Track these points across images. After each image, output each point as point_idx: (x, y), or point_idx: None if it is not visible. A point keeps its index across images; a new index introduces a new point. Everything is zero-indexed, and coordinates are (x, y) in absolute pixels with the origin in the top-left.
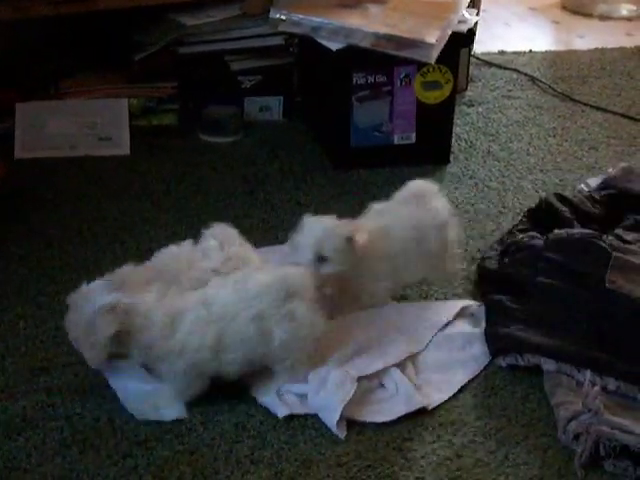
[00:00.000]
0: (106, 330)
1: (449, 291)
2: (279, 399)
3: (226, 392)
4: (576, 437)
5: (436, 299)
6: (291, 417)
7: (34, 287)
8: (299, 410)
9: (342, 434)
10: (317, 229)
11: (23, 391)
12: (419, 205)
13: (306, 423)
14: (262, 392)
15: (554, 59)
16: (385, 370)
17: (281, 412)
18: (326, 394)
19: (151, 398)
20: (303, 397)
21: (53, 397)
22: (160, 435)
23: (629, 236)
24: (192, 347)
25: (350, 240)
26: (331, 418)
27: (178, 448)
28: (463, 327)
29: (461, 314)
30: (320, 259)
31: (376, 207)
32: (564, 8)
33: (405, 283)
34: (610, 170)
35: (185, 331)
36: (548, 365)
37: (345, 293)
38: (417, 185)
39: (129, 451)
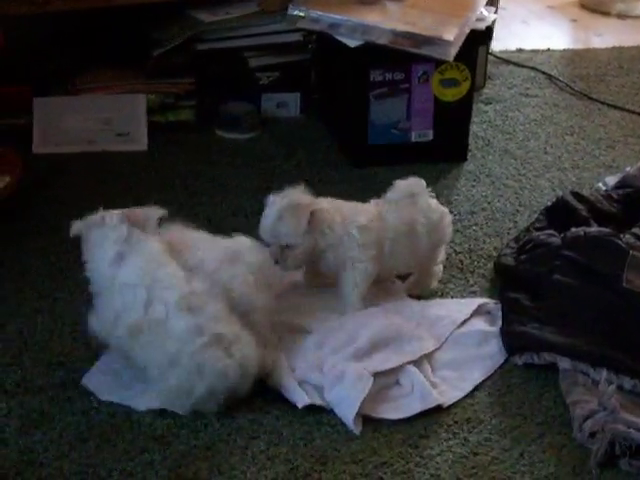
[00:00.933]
0: None
1: (466, 289)
2: (301, 388)
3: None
4: (592, 435)
5: (452, 297)
6: (307, 413)
7: (51, 282)
8: (318, 402)
9: (358, 430)
10: (272, 214)
11: (40, 385)
12: (411, 203)
13: (322, 419)
14: (283, 379)
15: (572, 57)
16: (401, 367)
17: (302, 401)
18: (342, 389)
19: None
20: (320, 389)
21: (70, 391)
22: (176, 430)
23: None
24: None
25: (308, 217)
26: (348, 414)
27: (194, 443)
28: (479, 325)
29: (478, 312)
30: (283, 247)
31: (373, 201)
32: (582, 6)
33: (389, 272)
34: (628, 169)
35: None
36: (564, 363)
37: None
38: (407, 184)
39: (145, 446)
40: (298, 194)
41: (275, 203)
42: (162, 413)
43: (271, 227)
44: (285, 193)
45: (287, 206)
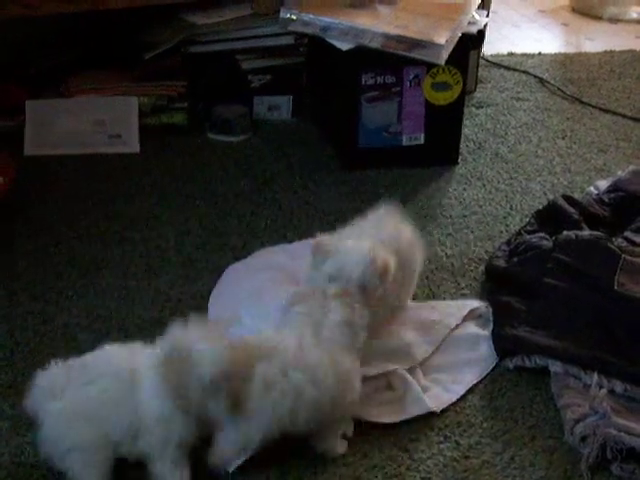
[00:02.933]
0: None
1: (457, 292)
2: None
3: None
4: (583, 439)
5: (444, 299)
6: None
7: (43, 284)
8: None
9: (349, 432)
10: (357, 259)
11: (31, 387)
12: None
13: None
14: None
15: (563, 61)
16: (393, 370)
17: None
18: None
19: None
20: None
21: None
22: None
23: (638, 238)
24: None
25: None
26: None
27: None
28: (471, 328)
29: (469, 315)
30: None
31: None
32: (573, 10)
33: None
34: (619, 173)
35: None
36: (555, 367)
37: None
38: (381, 213)
39: None
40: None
41: (360, 245)
42: None
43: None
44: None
45: (374, 247)
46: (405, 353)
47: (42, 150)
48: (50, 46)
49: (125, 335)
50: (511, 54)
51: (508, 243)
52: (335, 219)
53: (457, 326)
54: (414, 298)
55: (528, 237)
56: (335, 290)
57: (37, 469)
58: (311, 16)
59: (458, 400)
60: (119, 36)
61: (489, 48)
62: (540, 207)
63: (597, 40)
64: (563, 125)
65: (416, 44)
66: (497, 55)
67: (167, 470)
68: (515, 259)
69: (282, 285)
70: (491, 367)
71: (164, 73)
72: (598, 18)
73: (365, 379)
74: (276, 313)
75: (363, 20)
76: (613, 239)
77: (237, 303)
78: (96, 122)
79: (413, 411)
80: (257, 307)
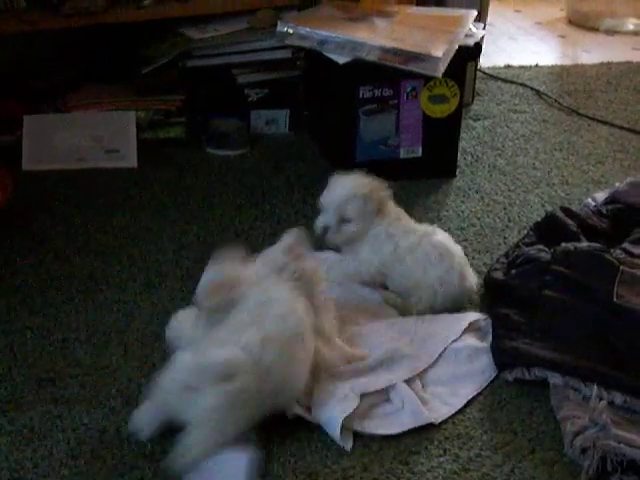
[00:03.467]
0: None
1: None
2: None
3: None
4: (583, 451)
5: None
6: (298, 429)
7: (41, 298)
8: (308, 417)
9: (348, 446)
10: (339, 191)
11: (30, 402)
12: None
13: (312, 435)
14: None
15: (560, 73)
16: (392, 385)
17: (291, 413)
18: (327, 409)
19: None
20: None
21: (60, 408)
22: (167, 447)
23: (637, 250)
24: None
25: (368, 198)
26: (334, 431)
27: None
28: (470, 340)
29: (468, 328)
30: (343, 220)
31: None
32: (570, 22)
33: None
34: (617, 184)
35: None
36: (555, 379)
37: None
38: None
39: (135, 463)
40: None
41: (349, 180)
42: None
43: (340, 200)
44: (357, 176)
45: (362, 185)
46: (404, 365)
47: (40, 165)
48: (48, 61)
49: (124, 349)
50: (508, 66)
51: (506, 255)
52: None
53: (456, 339)
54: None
55: (526, 249)
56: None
57: None
58: (308, 30)
59: (457, 413)
60: (117, 51)
61: (486, 61)
62: (538, 219)
63: (594, 52)
64: (560, 137)
65: (413, 57)
66: (494, 67)
67: None
68: (513, 271)
69: None
70: (490, 379)
71: (161, 87)
72: (595, 30)
73: (364, 394)
74: None
75: (360, 33)
76: (611, 251)
77: None
78: (94, 137)
79: (412, 423)
80: None
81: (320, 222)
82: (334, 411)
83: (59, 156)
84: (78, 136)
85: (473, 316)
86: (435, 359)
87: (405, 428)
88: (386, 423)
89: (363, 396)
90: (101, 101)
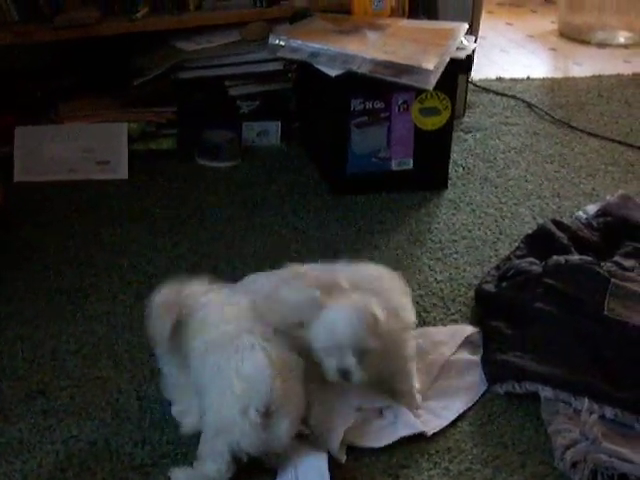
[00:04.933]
0: None
1: (447, 317)
2: None
3: None
4: (574, 465)
5: (434, 326)
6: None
7: (31, 309)
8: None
9: (342, 459)
10: (346, 325)
11: (19, 413)
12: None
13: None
14: None
15: (552, 86)
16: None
17: None
18: (328, 420)
19: None
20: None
21: (49, 420)
22: (156, 460)
23: (627, 263)
24: None
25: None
26: (332, 443)
27: None
28: (462, 354)
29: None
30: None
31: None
32: (561, 35)
33: None
34: (608, 197)
35: None
36: (545, 392)
37: None
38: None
39: (125, 475)
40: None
41: (345, 306)
42: (142, 442)
43: (354, 332)
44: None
45: (359, 307)
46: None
47: (31, 176)
48: (40, 72)
49: (114, 361)
50: (500, 79)
51: (497, 268)
52: (324, 244)
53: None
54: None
55: (517, 262)
56: None
57: None
58: (300, 42)
59: (448, 426)
60: (109, 62)
61: (478, 73)
62: (529, 232)
63: (585, 65)
64: (552, 150)
65: (405, 70)
66: (486, 80)
67: None
68: (504, 284)
69: None
70: (481, 393)
71: (153, 99)
72: (586, 43)
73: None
74: None
75: (352, 46)
76: (602, 264)
77: None
78: (85, 148)
79: (404, 432)
80: None
81: (336, 366)
82: (334, 424)
83: (50, 167)
84: (69, 148)
85: (467, 330)
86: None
87: (397, 437)
88: (378, 436)
89: (359, 409)
90: (93, 113)
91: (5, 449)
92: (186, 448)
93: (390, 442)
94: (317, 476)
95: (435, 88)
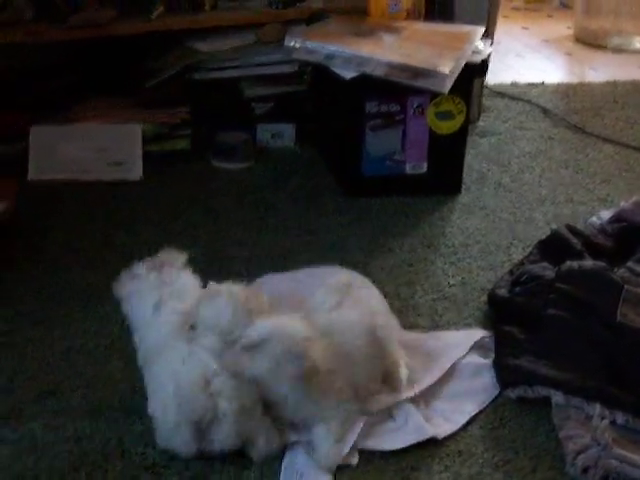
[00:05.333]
0: None
1: (459, 321)
2: None
3: None
4: (585, 471)
5: (447, 329)
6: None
7: (43, 310)
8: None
9: (354, 462)
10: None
11: (31, 413)
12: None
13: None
14: None
15: (567, 91)
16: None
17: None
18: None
19: None
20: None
21: (62, 419)
22: (168, 461)
23: None
24: None
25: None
26: (344, 447)
27: (186, 474)
28: (473, 358)
29: (473, 345)
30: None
31: None
32: (577, 40)
33: None
34: (622, 203)
35: None
36: (557, 397)
37: None
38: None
39: (137, 475)
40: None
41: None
42: (153, 442)
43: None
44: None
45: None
46: (408, 382)
47: (45, 175)
48: (54, 73)
49: (125, 361)
50: (515, 84)
51: (511, 273)
52: (337, 247)
53: (463, 356)
54: (416, 326)
55: (531, 267)
56: None
57: None
58: (315, 44)
59: (459, 429)
60: (123, 63)
61: (493, 78)
62: (543, 237)
63: (600, 70)
64: (566, 155)
65: (420, 73)
66: (501, 85)
67: None
68: (517, 289)
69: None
70: (493, 397)
71: (167, 100)
72: (602, 48)
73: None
74: None
75: (367, 48)
76: (616, 269)
77: None
78: (99, 149)
79: (415, 438)
80: None
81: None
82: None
83: (64, 167)
84: (83, 148)
85: (479, 333)
86: (440, 376)
87: (408, 443)
88: (389, 439)
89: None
90: (107, 113)
91: (18, 448)
92: None
93: (400, 447)
94: None
95: (450, 92)
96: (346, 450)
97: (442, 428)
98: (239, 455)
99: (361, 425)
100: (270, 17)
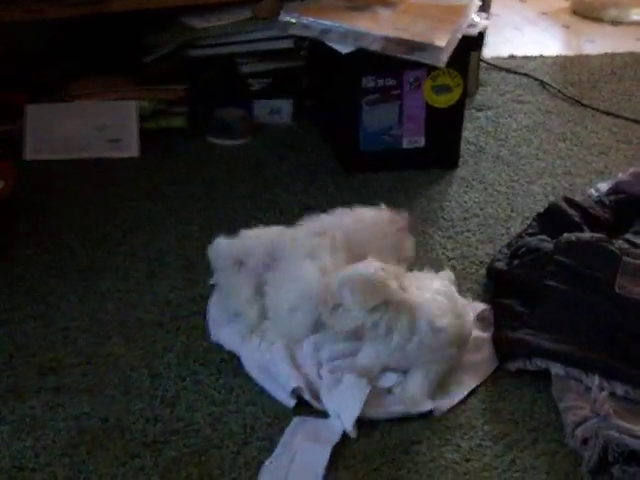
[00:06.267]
0: None
1: (458, 294)
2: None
3: (234, 394)
4: (584, 442)
5: None
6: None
7: (43, 287)
8: (315, 404)
9: (354, 434)
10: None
11: (31, 391)
12: None
13: None
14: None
15: (564, 64)
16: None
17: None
18: (340, 395)
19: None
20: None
21: (61, 397)
22: (168, 436)
23: (639, 240)
24: None
25: None
26: (348, 417)
27: (185, 450)
28: (473, 331)
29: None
30: None
31: None
32: (574, 13)
33: None
34: (620, 175)
35: None
36: (556, 369)
37: None
38: None
39: (137, 452)
40: None
41: None
42: (154, 419)
43: None
44: None
45: None
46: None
47: (42, 154)
48: (51, 50)
49: (125, 338)
50: (512, 57)
51: (509, 246)
52: None
53: None
54: None
55: (529, 239)
56: None
57: (37, 473)
58: (311, 19)
59: (459, 403)
60: (119, 40)
61: (490, 51)
62: (541, 209)
63: (598, 42)
64: (564, 127)
65: (416, 47)
66: (498, 58)
67: None
68: (516, 262)
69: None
70: (492, 370)
71: (164, 77)
72: (599, 20)
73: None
74: None
75: (363, 23)
76: (614, 241)
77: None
78: (96, 126)
79: (414, 410)
80: None
81: None
82: (348, 399)
83: (61, 145)
84: (80, 125)
85: (479, 307)
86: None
87: (407, 414)
88: (388, 411)
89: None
90: (104, 90)
91: (18, 426)
92: (198, 425)
93: (399, 416)
94: (311, 474)
95: (447, 65)
96: (354, 417)
97: (441, 402)
98: (239, 431)
99: (365, 396)
100: None
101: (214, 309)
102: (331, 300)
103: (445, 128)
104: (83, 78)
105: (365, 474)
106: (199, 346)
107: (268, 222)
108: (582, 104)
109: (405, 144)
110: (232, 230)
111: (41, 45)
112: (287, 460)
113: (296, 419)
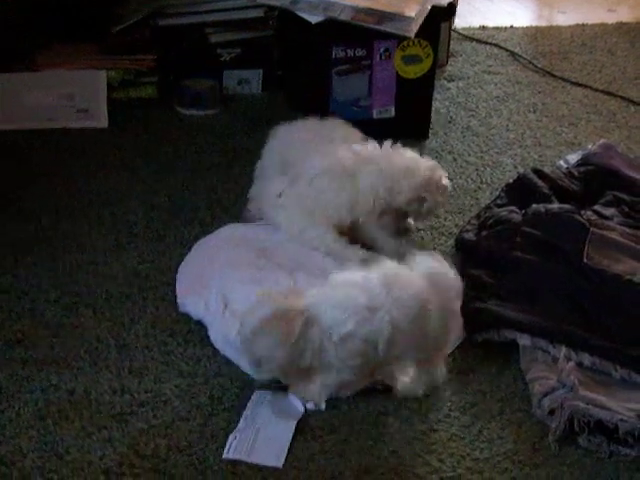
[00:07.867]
0: None
1: None
2: None
3: (202, 365)
4: (551, 412)
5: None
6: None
7: (9, 259)
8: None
9: (322, 406)
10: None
11: None
12: None
13: None
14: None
15: (535, 35)
16: None
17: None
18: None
19: None
20: None
21: (28, 369)
22: (135, 408)
23: (608, 212)
24: None
25: None
26: (311, 391)
27: (153, 422)
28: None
29: None
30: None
31: None
32: None
33: None
34: (589, 146)
35: None
36: (524, 340)
37: None
38: None
39: (104, 423)
40: None
41: None
42: (121, 391)
43: None
44: None
45: None
46: None
47: (9, 125)
48: (17, 20)
49: (93, 310)
50: (483, 27)
51: (478, 217)
52: None
53: None
54: None
55: (498, 210)
56: None
57: (3, 445)
58: None
59: None
60: (88, 9)
61: (460, 21)
62: (510, 181)
63: (569, 13)
64: (534, 99)
65: (386, 16)
66: (469, 28)
67: None
68: (484, 232)
69: (259, 259)
70: (460, 341)
71: (133, 46)
72: None
73: None
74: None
75: None
76: (582, 212)
77: (209, 276)
78: (64, 96)
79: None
80: (232, 278)
81: None
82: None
83: (29, 116)
84: (48, 96)
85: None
86: None
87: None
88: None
89: None
90: (72, 60)
91: None
92: (166, 397)
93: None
94: (276, 447)
95: (417, 36)
96: (315, 394)
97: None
98: (206, 402)
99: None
100: None
101: (182, 278)
102: (252, 357)
103: (415, 99)
104: (51, 48)
105: (333, 445)
106: (167, 317)
107: (237, 193)
108: (553, 75)
109: (375, 114)
110: (200, 201)
111: (7, 14)
112: (251, 433)
113: (258, 392)
